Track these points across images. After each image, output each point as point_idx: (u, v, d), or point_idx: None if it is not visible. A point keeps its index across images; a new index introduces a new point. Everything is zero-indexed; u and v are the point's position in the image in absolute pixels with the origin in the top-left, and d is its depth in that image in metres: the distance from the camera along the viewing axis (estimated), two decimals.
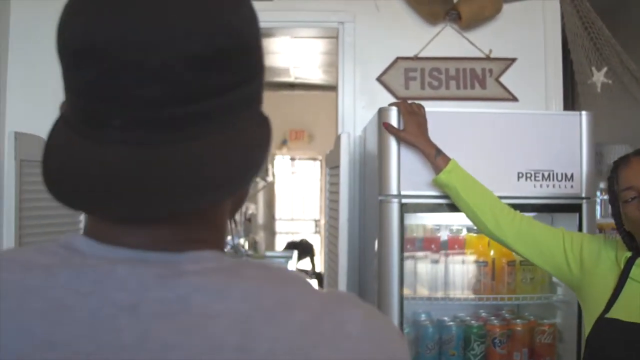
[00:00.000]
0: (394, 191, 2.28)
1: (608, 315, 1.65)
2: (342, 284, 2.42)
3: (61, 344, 0.58)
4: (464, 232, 2.57)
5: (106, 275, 0.61)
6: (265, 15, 2.42)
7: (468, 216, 2.04)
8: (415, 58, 2.87)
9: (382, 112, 2.26)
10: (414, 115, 2.16)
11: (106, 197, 0.60)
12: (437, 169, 2.10)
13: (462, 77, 2.84)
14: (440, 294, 2.51)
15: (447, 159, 2.09)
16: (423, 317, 2.53)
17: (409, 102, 2.23)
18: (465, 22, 2.80)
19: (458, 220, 2.49)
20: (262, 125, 0.69)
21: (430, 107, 2.28)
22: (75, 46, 0.60)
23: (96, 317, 0.59)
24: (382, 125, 2.21)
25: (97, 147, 0.61)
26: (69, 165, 0.62)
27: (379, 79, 2.88)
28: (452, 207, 2.16)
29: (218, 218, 0.69)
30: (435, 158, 2.10)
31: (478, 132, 2.30)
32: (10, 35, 2.72)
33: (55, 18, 0.60)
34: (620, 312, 1.64)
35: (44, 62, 2.74)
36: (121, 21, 0.59)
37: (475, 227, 2.10)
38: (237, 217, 0.99)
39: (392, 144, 2.26)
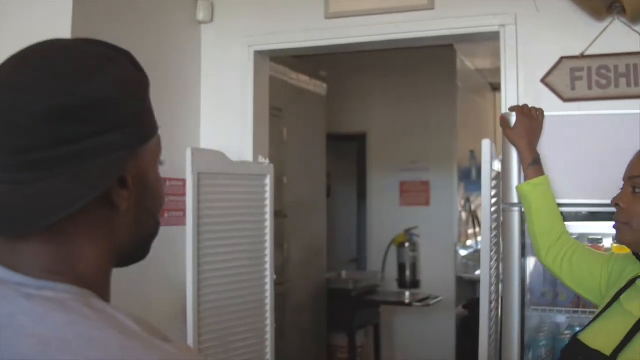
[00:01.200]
0: (514, 199, 2.36)
1: (579, 336, 1.64)
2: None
3: None
4: (605, 241, 2.48)
5: None
6: (426, 25, 2.68)
7: (530, 235, 2.10)
8: (582, 56, 2.83)
9: (504, 117, 2.35)
10: (526, 118, 2.26)
11: None
12: (526, 178, 2.16)
13: (632, 74, 2.72)
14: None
15: (539, 172, 2.17)
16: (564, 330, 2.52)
17: (530, 106, 2.30)
18: (631, 14, 2.68)
19: (597, 229, 2.43)
20: (109, 172, 0.85)
21: (598, 108, 2.40)
22: None
23: None
24: (500, 118, 2.33)
25: None
26: None
27: (543, 81, 2.90)
28: (589, 216, 2.20)
29: (75, 252, 0.87)
30: (528, 166, 2.19)
31: None
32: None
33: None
34: (589, 335, 1.67)
35: (227, 86, 3.33)
36: None
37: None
38: None
39: (514, 151, 2.33)
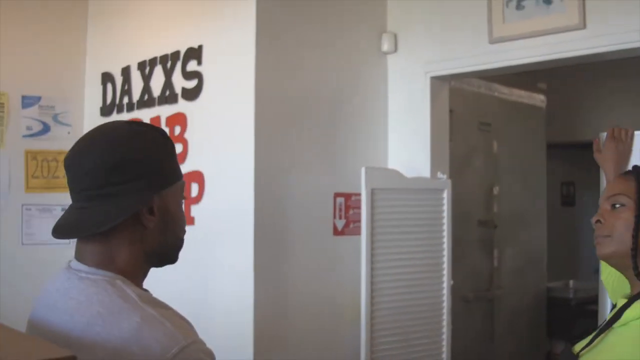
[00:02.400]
0: None
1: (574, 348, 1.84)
2: None
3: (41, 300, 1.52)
4: None
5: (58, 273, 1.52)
6: (575, 45, 2.94)
7: None
8: None
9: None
10: (614, 141, 2.44)
11: (63, 230, 1.48)
12: None
13: None
14: None
15: None
16: None
17: (620, 128, 2.48)
18: None
19: None
20: (137, 205, 1.44)
21: None
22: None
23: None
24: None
25: (69, 208, 1.51)
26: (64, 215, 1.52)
27: None
28: None
29: (116, 252, 1.45)
30: None
31: None
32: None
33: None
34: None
35: (409, 111, 3.79)
36: (71, 152, 1.48)
37: None
38: None
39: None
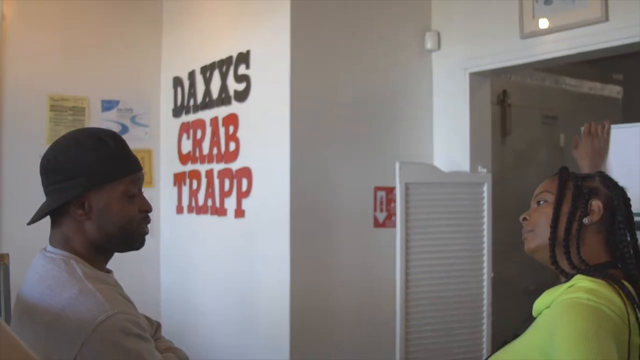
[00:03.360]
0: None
1: None
2: None
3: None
4: None
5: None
6: (599, 38, 3.06)
7: None
8: None
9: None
10: (590, 137, 2.53)
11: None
12: None
13: None
14: None
15: None
16: None
17: (596, 124, 2.57)
18: None
19: None
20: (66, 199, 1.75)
21: None
22: None
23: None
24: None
25: None
26: None
27: None
28: None
29: (70, 237, 1.77)
30: None
31: None
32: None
33: None
34: None
35: (452, 106, 3.93)
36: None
37: None
38: None
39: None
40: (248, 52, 3.92)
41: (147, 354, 1.67)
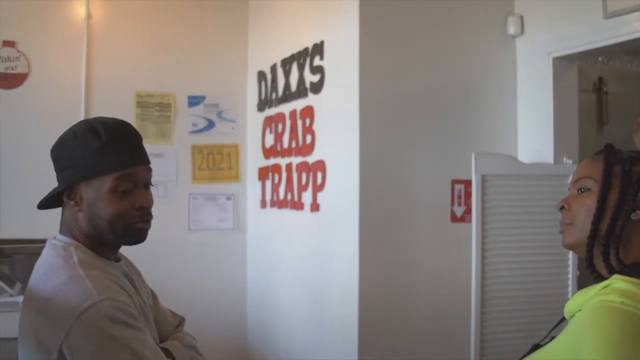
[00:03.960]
0: None
1: None
2: None
3: None
4: None
5: None
6: None
7: None
8: None
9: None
10: None
11: None
12: None
13: None
14: None
15: None
16: None
17: None
18: None
19: None
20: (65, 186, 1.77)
21: None
22: None
23: None
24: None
25: None
26: None
27: None
28: None
29: (71, 225, 1.77)
30: None
31: None
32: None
33: None
34: None
35: (537, 94, 3.73)
36: None
37: None
38: None
39: None
40: (322, 42, 3.87)
41: (134, 341, 1.63)
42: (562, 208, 1.73)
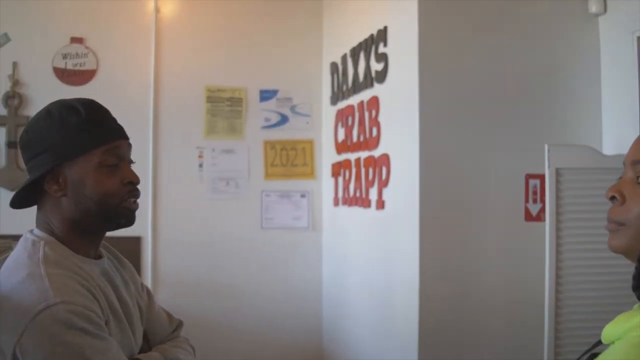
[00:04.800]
0: None
1: None
2: None
3: None
4: None
5: None
6: None
7: None
8: None
9: None
10: None
11: None
12: None
13: None
14: None
15: None
16: None
17: None
18: None
19: None
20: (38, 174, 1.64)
21: None
22: None
23: None
24: None
25: None
26: None
27: None
28: None
29: (49, 218, 1.66)
30: None
31: None
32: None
33: None
34: None
35: (621, 77, 3.35)
36: None
37: None
38: None
39: None
40: (385, 28, 3.62)
41: (90, 350, 1.46)
42: (612, 198, 1.35)
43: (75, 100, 1.72)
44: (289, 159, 4.67)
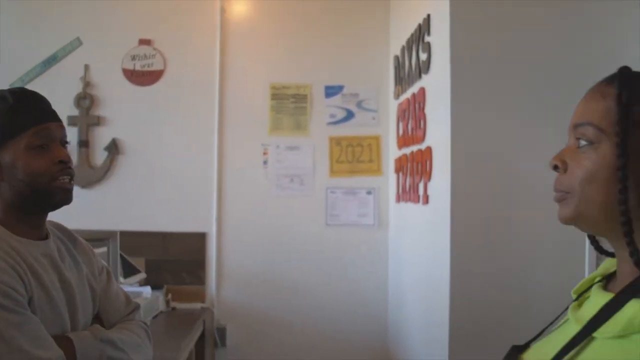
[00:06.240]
0: None
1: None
2: None
3: None
4: None
5: None
6: None
7: None
8: None
9: None
10: None
11: None
12: None
13: None
14: None
15: None
16: None
17: None
18: None
19: None
20: None
21: None
22: None
23: None
24: None
25: None
26: None
27: None
28: None
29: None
30: None
31: None
32: None
33: None
34: (530, 353, 1.32)
35: None
36: None
37: None
38: None
39: None
40: (429, 16, 3.49)
41: (3, 323, 1.54)
42: (555, 167, 1.24)
43: (7, 89, 1.81)
44: (355, 156, 4.60)
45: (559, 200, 1.22)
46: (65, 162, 1.76)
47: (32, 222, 1.78)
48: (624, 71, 1.17)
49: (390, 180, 4.56)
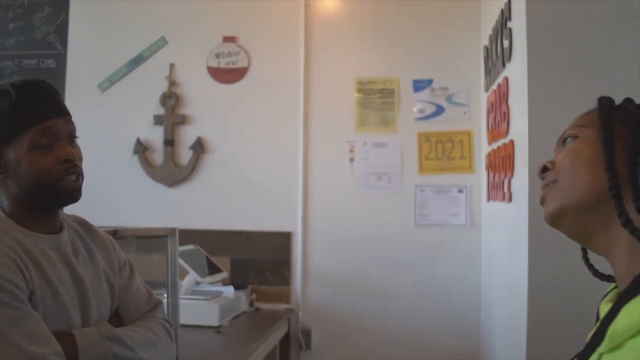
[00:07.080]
0: None
1: None
2: None
3: None
4: None
5: None
6: None
7: None
8: None
9: None
10: None
11: None
12: None
13: None
14: None
15: None
16: None
17: None
18: None
19: None
20: None
21: None
22: None
23: None
24: None
25: None
26: None
27: None
28: None
29: (1, 197, 1.73)
30: None
31: None
32: None
33: None
34: None
35: None
36: None
37: None
38: None
39: None
40: (509, 1, 3.26)
41: None
42: (544, 169, 1.29)
43: (10, 82, 1.75)
44: (445, 152, 4.38)
45: (543, 196, 1.26)
46: (70, 161, 1.72)
47: (41, 216, 1.75)
48: (603, 98, 1.26)
49: (483, 178, 4.32)
